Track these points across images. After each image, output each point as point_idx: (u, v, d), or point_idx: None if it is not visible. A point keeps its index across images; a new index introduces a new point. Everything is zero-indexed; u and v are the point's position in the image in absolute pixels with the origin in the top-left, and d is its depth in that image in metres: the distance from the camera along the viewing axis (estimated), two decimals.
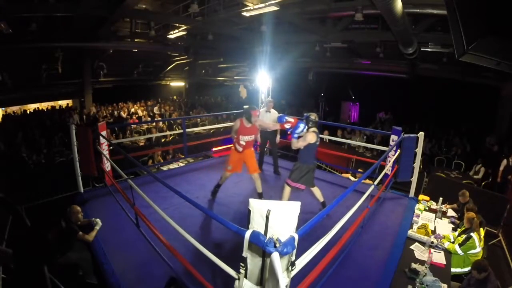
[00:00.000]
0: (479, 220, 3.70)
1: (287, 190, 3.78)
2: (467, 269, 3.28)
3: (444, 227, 3.80)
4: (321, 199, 3.93)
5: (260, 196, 4.25)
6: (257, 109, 3.99)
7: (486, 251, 3.78)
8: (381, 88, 12.95)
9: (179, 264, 2.54)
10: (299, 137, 3.65)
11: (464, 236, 3.34)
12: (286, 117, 3.78)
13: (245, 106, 4.63)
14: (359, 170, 6.65)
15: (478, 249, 3.30)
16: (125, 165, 4.86)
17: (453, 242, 3.39)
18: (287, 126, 3.73)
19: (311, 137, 3.54)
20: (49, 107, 13.49)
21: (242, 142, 3.93)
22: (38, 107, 13.33)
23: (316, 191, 3.90)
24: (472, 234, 3.27)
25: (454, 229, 3.79)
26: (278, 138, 5.39)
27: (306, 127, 3.63)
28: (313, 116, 3.64)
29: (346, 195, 2.51)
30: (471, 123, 11.02)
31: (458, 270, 3.32)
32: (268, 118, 5.21)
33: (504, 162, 6.58)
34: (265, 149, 5.66)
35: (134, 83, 15.16)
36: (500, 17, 2.15)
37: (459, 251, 3.26)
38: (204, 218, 3.65)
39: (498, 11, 2.15)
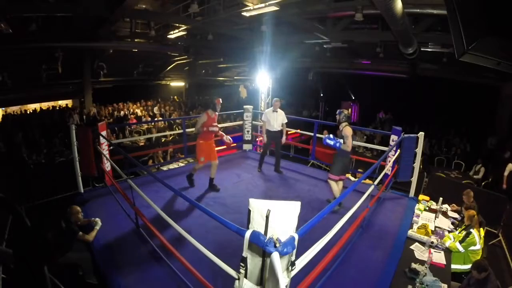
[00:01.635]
0: (479, 220, 3.71)
1: (334, 185, 4.07)
2: (467, 266, 3.29)
3: (444, 226, 3.80)
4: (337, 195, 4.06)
5: (211, 180, 4.60)
6: (219, 98, 4.39)
7: (486, 251, 3.78)
8: (381, 88, 12.96)
9: (179, 264, 2.54)
10: (339, 141, 3.90)
11: (464, 233, 3.35)
12: (327, 140, 3.96)
13: (245, 106, 4.70)
14: (359, 170, 6.65)
15: (478, 246, 3.31)
16: (125, 165, 4.86)
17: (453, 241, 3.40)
18: (330, 142, 3.96)
19: (350, 131, 3.87)
20: (50, 107, 13.49)
21: (211, 132, 4.29)
22: (38, 107, 13.33)
23: (339, 184, 4.14)
24: (471, 230, 3.28)
25: (454, 229, 3.80)
26: (284, 139, 5.39)
27: (335, 137, 3.93)
28: (346, 112, 3.99)
29: (346, 195, 2.52)
30: (471, 123, 11.02)
31: (458, 267, 3.33)
32: (274, 117, 5.23)
33: (510, 166, 6.37)
34: (267, 149, 5.66)
35: (134, 83, 15.14)
36: (500, 17, 2.15)
37: (460, 248, 3.26)
38: (204, 218, 3.65)
39: (498, 11, 2.15)
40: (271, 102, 7.52)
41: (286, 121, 5.36)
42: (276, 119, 5.24)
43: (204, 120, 4.23)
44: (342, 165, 4.04)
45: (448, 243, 3.34)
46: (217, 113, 4.35)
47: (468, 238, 3.26)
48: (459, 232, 3.48)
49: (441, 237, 3.44)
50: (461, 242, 3.28)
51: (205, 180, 4.93)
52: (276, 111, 5.26)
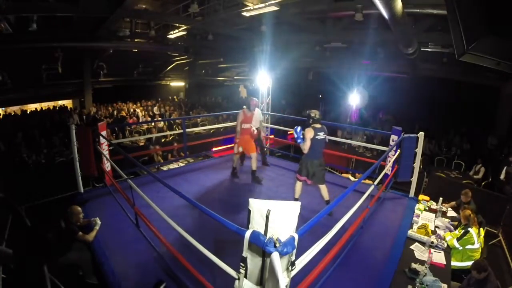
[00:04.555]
0: (479, 220, 3.71)
1: (297, 184, 4.03)
2: (465, 263, 3.30)
3: (443, 226, 3.80)
4: (326, 198, 3.99)
5: (254, 172, 4.82)
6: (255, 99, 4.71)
7: (486, 251, 3.78)
8: (381, 88, 12.95)
9: (179, 264, 2.54)
10: (300, 138, 3.76)
11: (462, 231, 3.37)
12: (294, 131, 3.85)
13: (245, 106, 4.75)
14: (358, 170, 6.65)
15: (476, 245, 3.32)
16: (125, 165, 4.86)
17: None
18: (294, 134, 3.86)
19: (309, 133, 3.68)
20: (50, 107, 13.49)
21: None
22: (38, 107, 13.32)
23: (323, 188, 3.97)
24: (469, 229, 3.31)
25: (454, 229, 3.80)
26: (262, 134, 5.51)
27: (302, 128, 3.78)
28: (313, 114, 3.75)
29: (346, 195, 2.52)
30: (471, 123, 11.02)
31: (457, 264, 3.33)
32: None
33: (506, 170, 6.34)
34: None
35: (134, 83, 15.14)
36: (500, 17, 2.15)
37: (457, 245, 3.30)
38: (204, 218, 3.64)
39: (498, 11, 2.15)
40: (271, 102, 7.54)
41: (262, 118, 5.46)
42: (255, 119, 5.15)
43: (241, 119, 4.68)
44: (302, 166, 3.88)
45: (448, 238, 3.39)
46: (253, 112, 4.72)
47: (465, 236, 3.29)
48: (458, 232, 3.49)
49: (441, 239, 3.43)
50: (458, 239, 3.31)
51: (205, 180, 4.94)
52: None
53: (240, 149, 4.77)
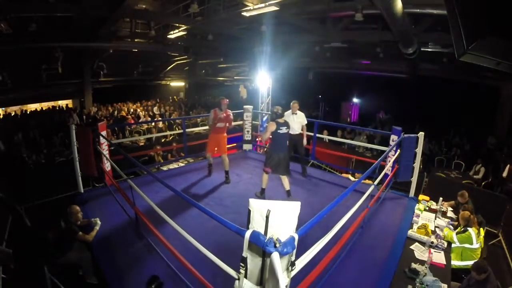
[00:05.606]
0: (479, 220, 3.71)
1: (264, 176, 4.23)
2: (464, 262, 3.30)
3: (443, 226, 3.80)
4: (287, 188, 4.28)
5: (226, 173, 4.89)
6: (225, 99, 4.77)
7: (486, 251, 3.78)
8: (381, 88, 12.97)
9: (179, 264, 2.54)
10: (264, 128, 4.04)
11: (462, 229, 3.41)
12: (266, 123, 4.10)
13: (245, 106, 4.76)
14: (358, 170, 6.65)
15: (476, 245, 3.32)
16: (125, 165, 4.86)
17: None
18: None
19: (271, 127, 3.94)
20: (50, 107, 13.49)
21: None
22: (38, 107, 13.32)
23: (284, 179, 4.25)
24: (469, 229, 3.33)
25: (454, 228, 3.80)
26: (305, 141, 5.15)
27: (268, 120, 4.02)
28: (276, 109, 4.07)
29: (346, 195, 2.52)
30: (471, 123, 11.02)
31: (456, 263, 3.33)
32: (293, 120, 4.98)
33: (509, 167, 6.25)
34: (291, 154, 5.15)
35: (134, 83, 15.15)
36: (500, 17, 2.14)
37: (455, 239, 3.34)
38: (204, 218, 3.64)
39: (498, 11, 2.14)
40: (271, 102, 7.55)
41: (306, 122, 5.12)
42: (296, 122, 5.00)
43: (212, 116, 4.72)
44: (268, 158, 4.12)
45: (446, 232, 3.43)
46: (223, 111, 4.71)
47: (464, 234, 3.31)
48: (458, 233, 3.49)
49: (441, 238, 3.43)
50: (457, 233, 3.36)
51: (205, 180, 4.94)
52: (296, 114, 5.06)
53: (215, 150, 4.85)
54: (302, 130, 5.09)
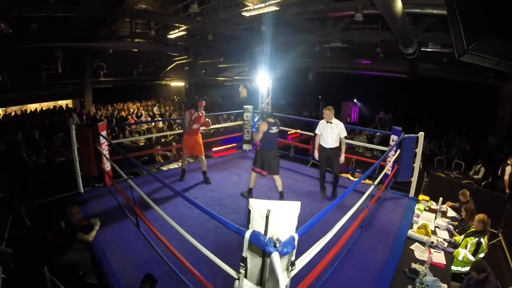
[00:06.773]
0: None
1: (252, 175, 4.22)
2: (466, 268, 3.28)
3: (444, 226, 3.80)
4: (280, 189, 4.20)
5: (204, 173, 4.86)
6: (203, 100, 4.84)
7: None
8: (381, 88, 12.97)
9: (179, 264, 2.54)
10: (256, 128, 4.13)
11: (473, 239, 3.15)
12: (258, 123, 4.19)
13: (245, 106, 4.76)
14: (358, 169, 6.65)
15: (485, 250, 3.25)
16: (125, 165, 4.86)
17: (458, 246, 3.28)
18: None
19: (263, 127, 3.96)
20: (50, 107, 13.48)
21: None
22: (38, 107, 13.32)
23: (277, 179, 4.18)
24: (481, 240, 3.11)
25: (454, 229, 3.80)
26: (342, 158, 4.31)
27: (260, 120, 4.02)
28: (266, 109, 4.13)
29: (346, 195, 2.52)
30: (471, 123, 11.02)
31: (459, 269, 3.30)
32: (329, 131, 4.14)
33: (509, 169, 6.04)
34: (324, 170, 4.47)
35: (134, 83, 15.13)
36: (500, 17, 2.14)
37: (472, 259, 3.09)
38: (204, 218, 3.65)
39: (498, 11, 2.15)
40: (271, 102, 7.55)
41: (345, 134, 4.20)
42: (333, 133, 4.14)
43: (188, 118, 4.71)
44: (257, 157, 4.10)
45: (461, 256, 3.15)
46: (199, 112, 4.73)
47: (480, 249, 3.10)
48: (466, 236, 3.29)
49: (441, 242, 3.37)
50: (473, 255, 3.10)
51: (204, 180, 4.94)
52: (331, 122, 4.14)
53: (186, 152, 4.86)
54: (340, 143, 4.22)
